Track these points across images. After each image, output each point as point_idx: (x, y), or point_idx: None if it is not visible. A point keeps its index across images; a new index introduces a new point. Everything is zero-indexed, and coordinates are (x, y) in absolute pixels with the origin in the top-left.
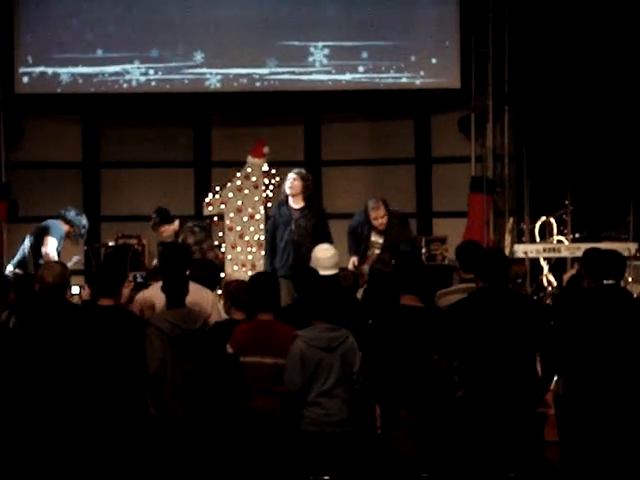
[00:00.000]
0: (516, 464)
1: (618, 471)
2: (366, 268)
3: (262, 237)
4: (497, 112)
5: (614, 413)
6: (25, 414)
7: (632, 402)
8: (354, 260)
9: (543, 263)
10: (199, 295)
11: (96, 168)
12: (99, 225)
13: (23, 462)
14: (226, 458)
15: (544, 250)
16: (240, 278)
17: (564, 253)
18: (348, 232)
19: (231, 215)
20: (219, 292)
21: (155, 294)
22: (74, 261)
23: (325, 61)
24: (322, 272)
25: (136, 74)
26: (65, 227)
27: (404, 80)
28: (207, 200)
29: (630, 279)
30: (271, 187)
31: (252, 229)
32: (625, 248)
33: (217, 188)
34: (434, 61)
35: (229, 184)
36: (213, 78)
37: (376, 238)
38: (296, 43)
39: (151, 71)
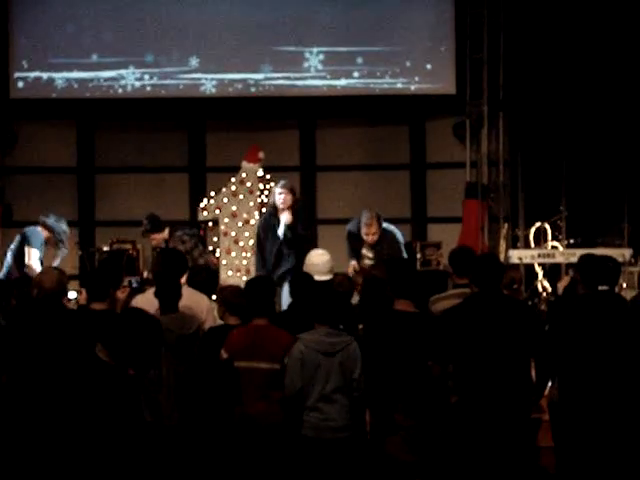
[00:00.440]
0: (510, 470)
1: (613, 476)
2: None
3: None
4: (492, 118)
5: (609, 419)
6: (14, 420)
7: (626, 407)
8: (354, 264)
9: (538, 269)
10: (193, 300)
11: (91, 173)
12: (94, 230)
13: (16, 467)
14: (221, 464)
15: (539, 256)
16: (235, 283)
17: (559, 259)
18: (347, 236)
19: (226, 220)
20: (214, 297)
21: (149, 299)
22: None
23: (320, 66)
24: (317, 277)
25: (131, 79)
26: (44, 233)
27: (399, 86)
28: (202, 205)
29: (624, 285)
30: (266, 192)
31: (247, 234)
32: (619, 254)
33: (212, 193)
34: (429, 67)
35: (224, 189)
36: (208, 83)
37: (366, 251)
38: (291, 48)
39: (146, 76)
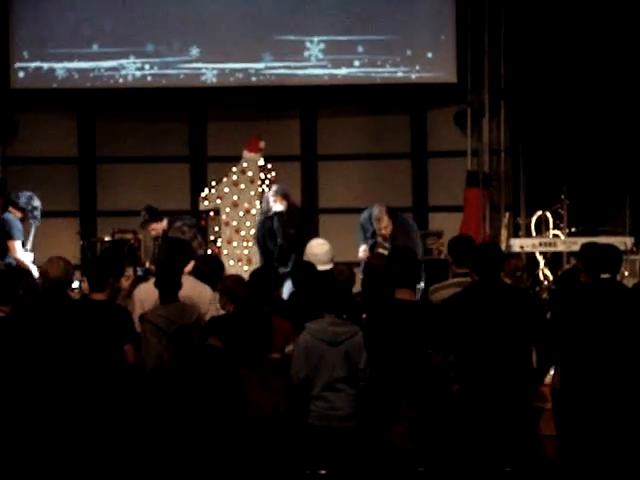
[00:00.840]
0: (512, 458)
1: (616, 465)
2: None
3: None
4: (493, 106)
5: (611, 406)
6: (17, 411)
7: (629, 395)
8: (365, 248)
9: (539, 257)
10: (196, 290)
11: (92, 163)
12: (95, 220)
13: (18, 456)
14: (222, 453)
15: (540, 244)
16: (236, 273)
17: (560, 247)
18: (360, 226)
19: (227, 210)
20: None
21: (151, 288)
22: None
23: (321, 55)
24: (319, 267)
25: (132, 69)
26: (18, 214)
27: (400, 74)
28: (203, 195)
29: (626, 273)
30: (267, 182)
31: (248, 224)
32: (621, 242)
33: (213, 183)
34: (430, 55)
35: (225, 179)
36: (209, 73)
37: (382, 240)
38: (292, 38)
39: (147, 66)
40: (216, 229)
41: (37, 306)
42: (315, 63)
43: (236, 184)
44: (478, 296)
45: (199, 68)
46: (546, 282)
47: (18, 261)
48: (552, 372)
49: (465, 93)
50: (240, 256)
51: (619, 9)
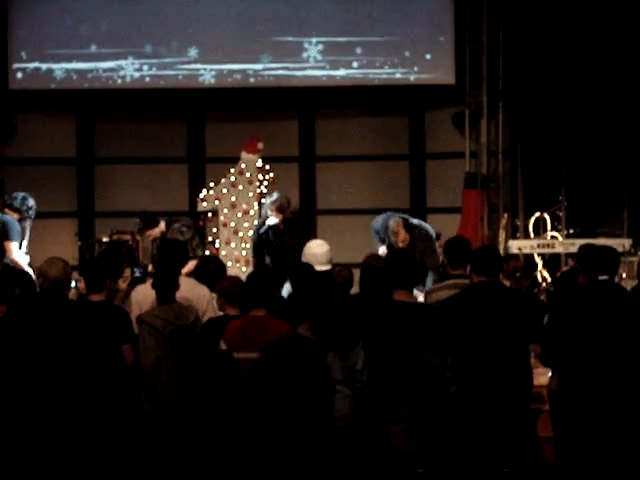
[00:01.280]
0: (509, 459)
1: (613, 466)
2: None
3: None
4: (491, 108)
5: (608, 408)
6: (16, 411)
7: (627, 397)
8: (384, 248)
9: (537, 259)
10: (194, 292)
11: (90, 164)
12: (93, 221)
13: (17, 458)
14: (221, 454)
15: (538, 246)
16: (234, 274)
17: (558, 249)
18: (373, 230)
19: (225, 211)
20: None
21: (148, 290)
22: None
23: (319, 57)
24: (317, 267)
25: (130, 70)
26: (15, 215)
27: (398, 76)
28: (201, 196)
29: (624, 275)
30: (265, 183)
31: (246, 225)
32: (619, 244)
33: (211, 184)
34: (428, 57)
35: (223, 180)
36: (207, 74)
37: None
38: (290, 39)
39: (145, 67)
40: (214, 230)
41: (36, 306)
42: (313, 64)
43: (234, 185)
44: (476, 298)
45: (197, 69)
46: (544, 284)
47: (14, 262)
48: (549, 374)
49: (463, 94)
50: (238, 257)
51: (618, 10)
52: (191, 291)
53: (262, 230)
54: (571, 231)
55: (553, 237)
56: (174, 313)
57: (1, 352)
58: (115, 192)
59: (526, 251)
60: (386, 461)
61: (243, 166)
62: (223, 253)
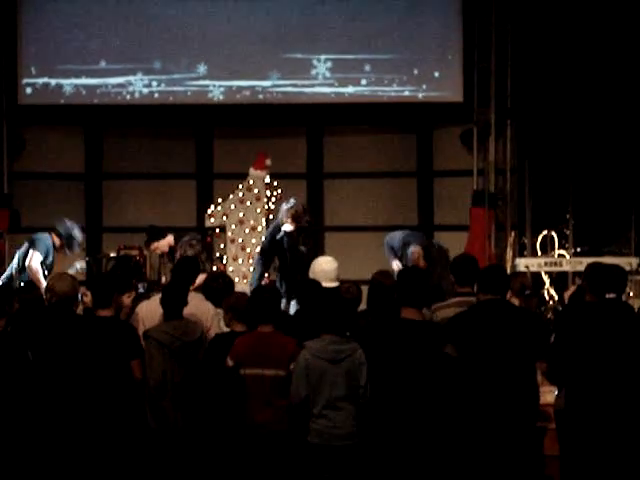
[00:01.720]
0: (516, 478)
1: None
2: None
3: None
4: (499, 126)
5: (616, 427)
6: (24, 427)
7: (634, 416)
8: (397, 262)
9: (544, 277)
10: (199, 307)
11: (98, 179)
12: (101, 236)
13: (24, 472)
14: (226, 471)
15: (545, 264)
16: (241, 290)
17: (565, 267)
18: (387, 248)
19: (233, 227)
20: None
21: (153, 306)
22: (77, 268)
23: (328, 74)
24: (325, 284)
25: (139, 86)
26: (56, 240)
27: (407, 93)
28: (209, 212)
29: (631, 294)
30: (273, 199)
31: (254, 241)
32: (626, 263)
33: (219, 200)
34: (437, 75)
35: (231, 196)
36: (216, 90)
37: None
38: (299, 56)
39: (154, 83)
40: (222, 246)
41: (44, 321)
42: (322, 81)
43: (242, 201)
44: (483, 316)
45: (206, 85)
46: (551, 302)
47: (29, 269)
48: (556, 392)
49: (471, 112)
50: (245, 273)
51: (625, 30)
52: (197, 307)
53: (279, 236)
54: (578, 249)
55: (560, 255)
56: (181, 329)
57: (10, 364)
58: (123, 207)
59: (533, 269)
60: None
61: (251, 182)
62: (230, 269)
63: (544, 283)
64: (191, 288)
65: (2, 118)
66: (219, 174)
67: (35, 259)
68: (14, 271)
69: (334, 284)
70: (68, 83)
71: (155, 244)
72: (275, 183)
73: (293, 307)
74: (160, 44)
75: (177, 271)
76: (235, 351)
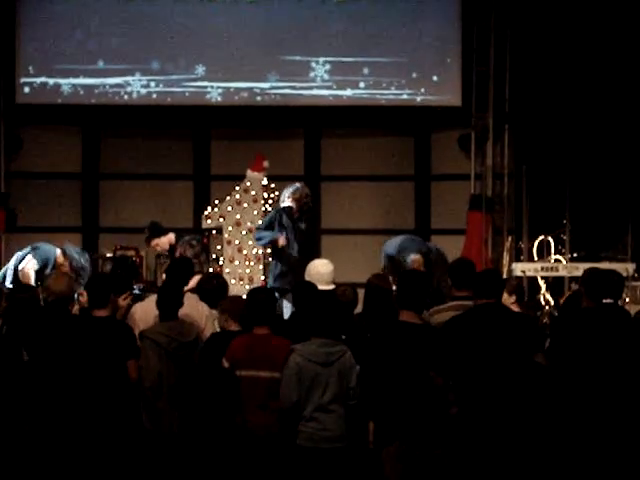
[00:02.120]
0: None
1: None
2: None
3: (260, 251)
4: (497, 131)
5: (611, 432)
6: (19, 426)
7: (630, 421)
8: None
9: (541, 282)
10: (194, 308)
11: (95, 179)
12: (97, 236)
13: (15, 473)
14: (220, 472)
15: (542, 269)
16: (238, 292)
17: (562, 272)
18: (386, 257)
19: (230, 229)
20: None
21: (148, 307)
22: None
23: (326, 76)
24: (321, 287)
25: (137, 86)
26: (61, 259)
27: (405, 97)
28: (206, 213)
29: (627, 299)
30: (270, 201)
31: (250, 243)
32: (623, 268)
33: (216, 201)
34: (435, 78)
35: (228, 197)
36: (214, 91)
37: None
38: (297, 58)
39: (152, 83)
40: (218, 248)
41: (39, 321)
42: (320, 84)
43: (239, 203)
44: (478, 319)
45: (204, 86)
46: (547, 307)
47: (21, 272)
48: None
49: (469, 117)
50: (242, 275)
51: (624, 36)
52: (192, 308)
53: (276, 210)
54: (575, 255)
55: (557, 260)
56: (177, 329)
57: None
58: (120, 208)
59: (530, 274)
60: None
61: (248, 184)
62: (227, 271)
63: (540, 288)
64: (185, 289)
65: None
66: (216, 175)
67: (30, 265)
68: (9, 271)
69: (330, 287)
70: (66, 83)
71: (156, 240)
72: (272, 185)
73: (286, 307)
74: (158, 45)
75: (171, 272)
76: (231, 352)
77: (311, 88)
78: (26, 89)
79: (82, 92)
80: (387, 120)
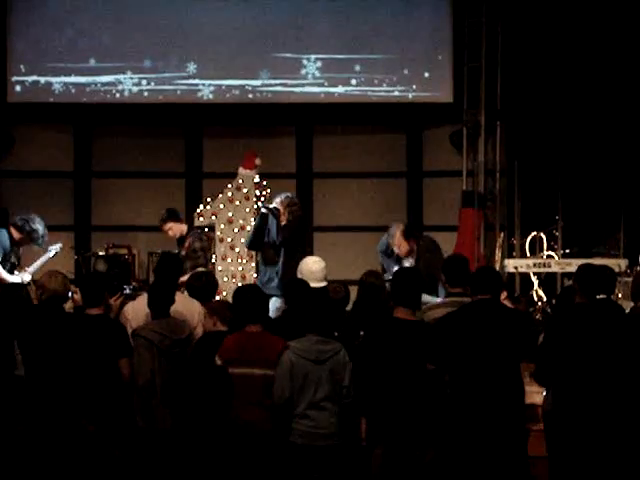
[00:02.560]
0: (502, 478)
1: None
2: None
3: None
4: (489, 127)
5: (604, 428)
6: (11, 424)
7: (623, 417)
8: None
9: (533, 278)
10: (186, 305)
11: (87, 178)
12: (89, 234)
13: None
14: (214, 470)
15: (534, 265)
16: (230, 290)
17: (554, 268)
18: (380, 252)
19: (222, 226)
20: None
21: (139, 306)
22: (56, 249)
23: (318, 74)
24: (313, 284)
25: (129, 84)
26: (15, 234)
27: (396, 93)
28: (198, 211)
29: (620, 295)
30: (262, 199)
31: (243, 240)
32: (615, 264)
33: (208, 199)
34: (427, 75)
35: (220, 195)
36: (206, 89)
37: (405, 261)
38: (289, 55)
39: (144, 81)
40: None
41: (33, 318)
42: (312, 81)
43: (231, 201)
44: (473, 315)
45: (196, 84)
46: (540, 303)
47: None
48: (544, 393)
49: (461, 113)
50: (234, 273)
51: (616, 31)
52: (183, 305)
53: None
54: (567, 251)
55: (549, 256)
56: (170, 327)
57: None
58: (112, 206)
59: (522, 270)
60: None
61: (240, 182)
62: (219, 268)
63: (533, 284)
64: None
65: None
66: (208, 173)
67: None
68: None
69: (322, 284)
70: (57, 81)
71: (171, 224)
72: (264, 182)
73: (272, 304)
74: (150, 43)
75: (160, 269)
76: (224, 350)
77: (303, 85)
78: (18, 88)
79: (74, 90)
80: (379, 117)
